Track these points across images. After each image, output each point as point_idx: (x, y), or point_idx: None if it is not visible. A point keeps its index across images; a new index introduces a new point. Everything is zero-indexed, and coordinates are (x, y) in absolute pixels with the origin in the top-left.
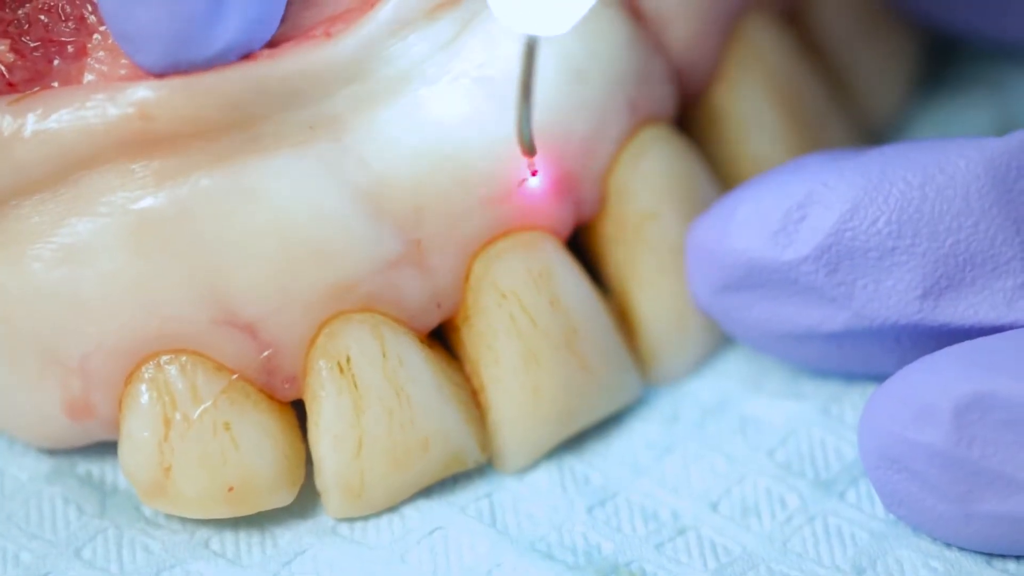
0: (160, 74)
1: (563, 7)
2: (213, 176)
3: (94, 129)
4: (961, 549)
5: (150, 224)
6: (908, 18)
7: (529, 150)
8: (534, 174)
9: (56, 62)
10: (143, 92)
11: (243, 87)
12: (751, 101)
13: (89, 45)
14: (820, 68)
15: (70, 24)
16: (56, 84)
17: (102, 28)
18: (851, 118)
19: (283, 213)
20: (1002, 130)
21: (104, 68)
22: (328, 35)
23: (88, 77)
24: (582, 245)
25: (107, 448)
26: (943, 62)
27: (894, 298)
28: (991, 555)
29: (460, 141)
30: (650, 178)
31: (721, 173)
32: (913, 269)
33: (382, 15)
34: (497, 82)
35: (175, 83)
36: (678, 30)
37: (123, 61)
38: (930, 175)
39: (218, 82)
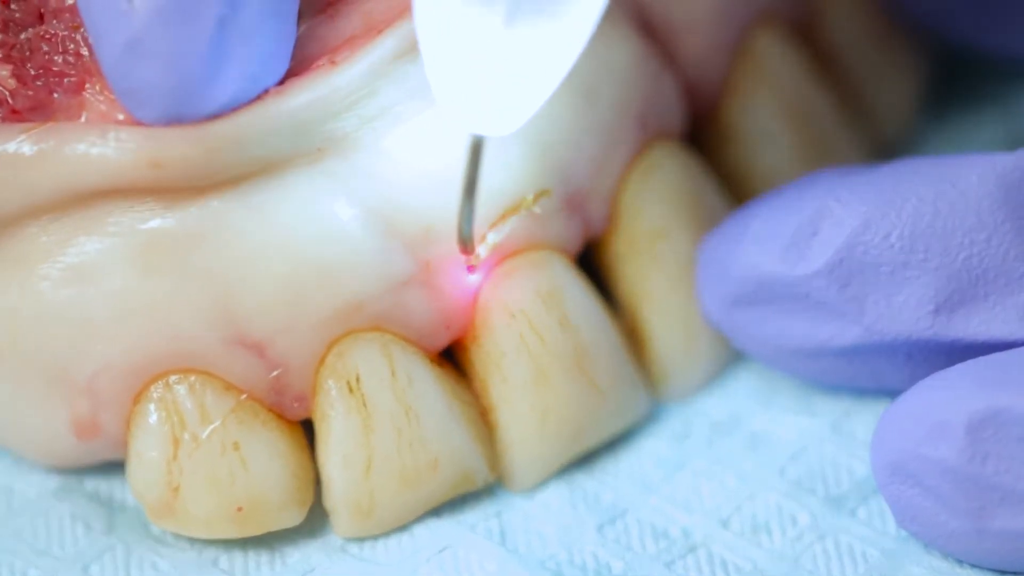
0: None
1: (510, 108)
2: (222, 196)
3: (105, 171)
4: (973, 566)
5: (159, 244)
6: (918, 33)
7: (468, 248)
8: (471, 270)
9: (56, 95)
10: (154, 142)
11: (252, 129)
12: (761, 116)
13: (87, 84)
14: (831, 83)
15: (69, 57)
16: (59, 116)
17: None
18: (862, 133)
19: (292, 232)
20: (1013, 145)
21: (103, 108)
22: (333, 63)
23: (87, 115)
24: (592, 262)
25: (115, 465)
26: (954, 77)
27: (906, 313)
28: (1003, 572)
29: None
30: (660, 195)
31: (732, 189)
32: (925, 284)
33: (387, 41)
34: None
35: (185, 132)
36: (688, 46)
37: (120, 105)
38: (942, 190)
39: (227, 127)
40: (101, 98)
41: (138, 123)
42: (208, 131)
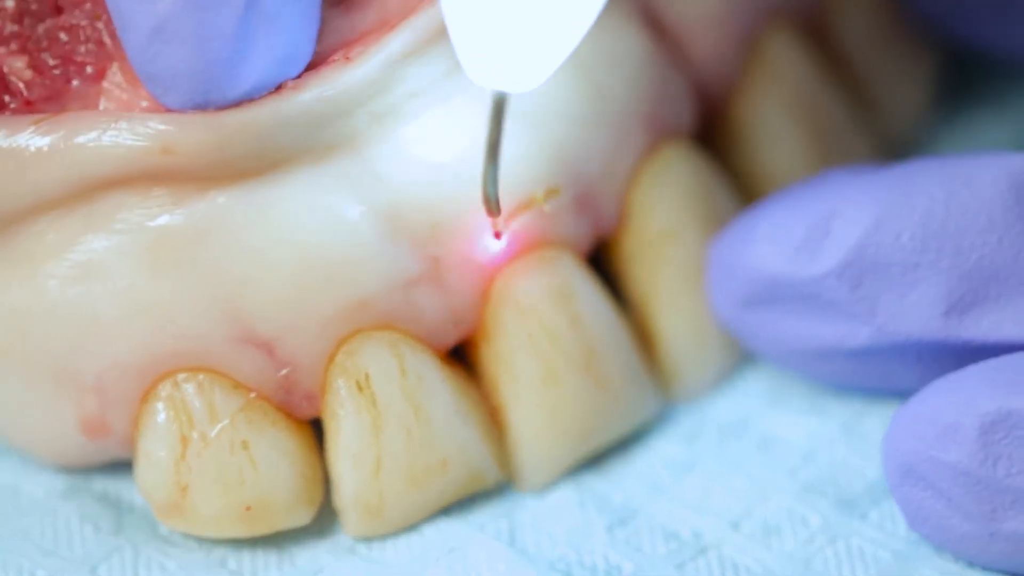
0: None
1: (533, 63)
2: (230, 193)
3: (115, 157)
4: (984, 568)
5: (167, 241)
6: (929, 33)
7: (494, 210)
8: (497, 236)
9: (75, 83)
10: (166, 127)
11: (266, 120)
12: (772, 116)
13: (109, 71)
14: (841, 83)
15: (90, 46)
16: (74, 105)
17: (121, 55)
18: (872, 133)
19: (300, 230)
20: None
21: (124, 96)
22: (348, 59)
23: (106, 103)
24: (603, 262)
25: (123, 465)
26: (965, 77)
27: (917, 314)
28: (1015, 575)
29: (477, 159)
30: (670, 194)
31: (742, 188)
32: (937, 285)
33: (401, 37)
34: (512, 100)
35: (198, 119)
36: (699, 46)
37: (143, 92)
38: (954, 190)
39: (242, 117)
40: (124, 86)
41: (163, 109)
42: (222, 119)
